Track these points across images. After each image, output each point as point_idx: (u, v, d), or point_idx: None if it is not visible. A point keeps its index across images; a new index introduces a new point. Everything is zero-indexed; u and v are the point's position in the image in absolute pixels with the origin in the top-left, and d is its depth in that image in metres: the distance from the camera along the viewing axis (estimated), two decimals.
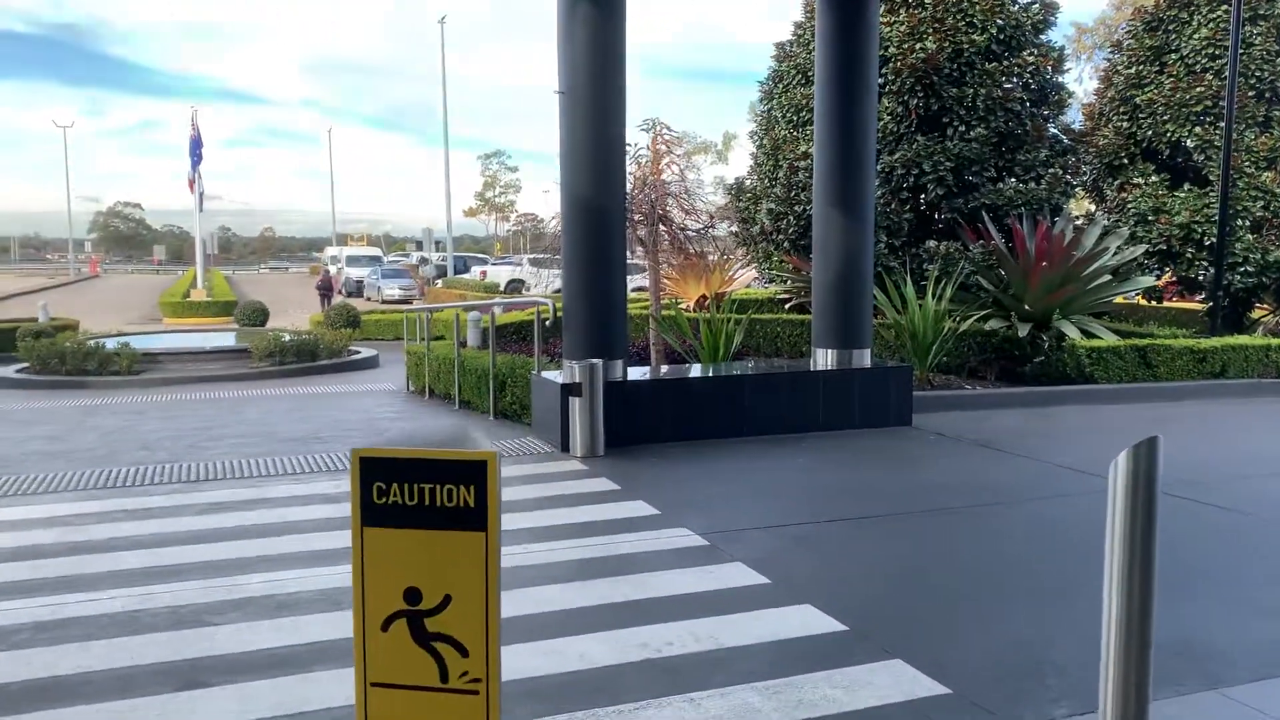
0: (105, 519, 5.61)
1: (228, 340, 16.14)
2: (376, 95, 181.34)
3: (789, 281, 14.30)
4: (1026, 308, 11.30)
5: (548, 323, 8.19)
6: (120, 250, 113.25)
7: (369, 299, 39.14)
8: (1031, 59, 12.64)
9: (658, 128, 11.59)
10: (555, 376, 7.73)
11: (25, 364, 14.07)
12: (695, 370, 8.90)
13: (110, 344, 14.01)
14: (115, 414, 10.30)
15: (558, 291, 9.43)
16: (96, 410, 10.58)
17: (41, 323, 18.90)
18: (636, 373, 8.26)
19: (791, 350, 11.89)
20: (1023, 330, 10.92)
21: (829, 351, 8.72)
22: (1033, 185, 12.52)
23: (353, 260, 48.06)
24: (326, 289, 31.41)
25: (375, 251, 55.18)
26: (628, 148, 10.24)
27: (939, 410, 9.53)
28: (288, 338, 15.07)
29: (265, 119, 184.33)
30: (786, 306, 14.18)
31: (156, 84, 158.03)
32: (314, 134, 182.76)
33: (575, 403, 7.23)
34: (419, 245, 60.54)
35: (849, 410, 8.40)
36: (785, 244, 13.39)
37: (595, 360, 7.32)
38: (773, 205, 13.45)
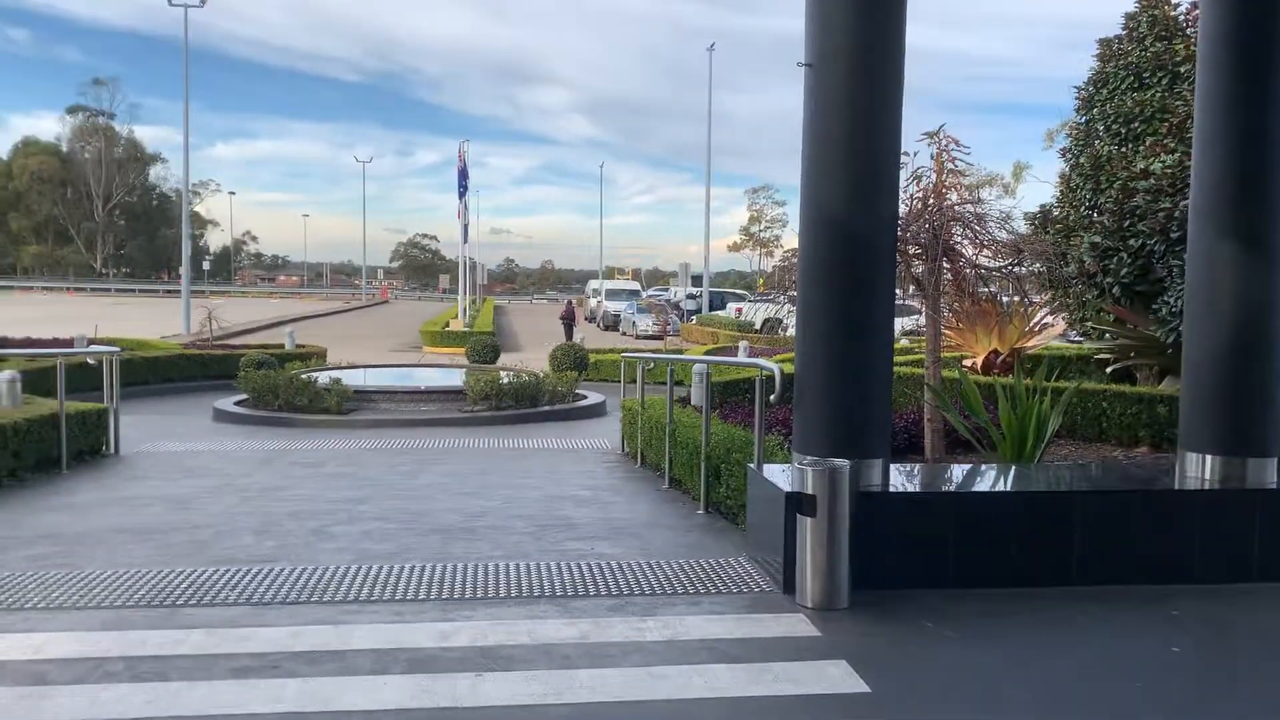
0: (93, 674, 3.84)
1: (446, 380, 14.97)
2: (656, 134, 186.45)
3: (1108, 337, 11.04)
4: None
5: (772, 397, 5.78)
6: (417, 278, 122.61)
7: (624, 333, 38.51)
8: None
9: (943, 139, 8.95)
10: (780, 476, 5.31)
11: (246, 395, 13.49)
12: (990, 476, 6.17)
13: (322, 379, 13.13)
14: (289, 465, 9.05)
15: None
16: (273, 459, 9.38)
17: (287, 349, 18.86)
18: (902, 476, 5.68)
19: (1122, 436, 8.68)
20: None
21: (1208, 458, 5.68)
22: None
23: (612, 294, 48.36)
24: (570, 320, 30.62)
25: (634, 285, 55.34)
26: (904, 158, 7.72)
27: None
28: (506, 379, 13.62)
29: (552, 158, 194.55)
30: (1107, 370, 10.90)
31: (458, 125, 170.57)
32: (595, 172, 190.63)
33: (806, 524, 4.78)
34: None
35: (1241, 553, 5.37)
36: (1114, 289, 10.20)
37: (840, 462, 4.83)
38: (1097, 238, 10.33)
